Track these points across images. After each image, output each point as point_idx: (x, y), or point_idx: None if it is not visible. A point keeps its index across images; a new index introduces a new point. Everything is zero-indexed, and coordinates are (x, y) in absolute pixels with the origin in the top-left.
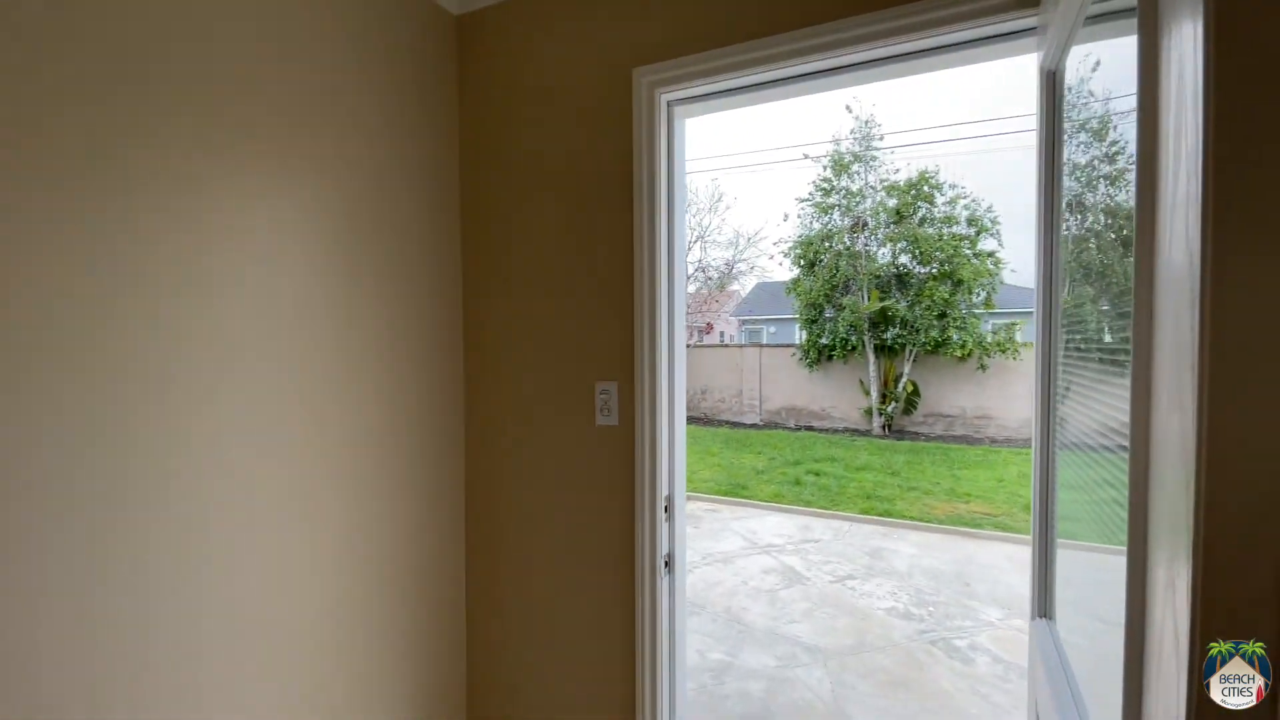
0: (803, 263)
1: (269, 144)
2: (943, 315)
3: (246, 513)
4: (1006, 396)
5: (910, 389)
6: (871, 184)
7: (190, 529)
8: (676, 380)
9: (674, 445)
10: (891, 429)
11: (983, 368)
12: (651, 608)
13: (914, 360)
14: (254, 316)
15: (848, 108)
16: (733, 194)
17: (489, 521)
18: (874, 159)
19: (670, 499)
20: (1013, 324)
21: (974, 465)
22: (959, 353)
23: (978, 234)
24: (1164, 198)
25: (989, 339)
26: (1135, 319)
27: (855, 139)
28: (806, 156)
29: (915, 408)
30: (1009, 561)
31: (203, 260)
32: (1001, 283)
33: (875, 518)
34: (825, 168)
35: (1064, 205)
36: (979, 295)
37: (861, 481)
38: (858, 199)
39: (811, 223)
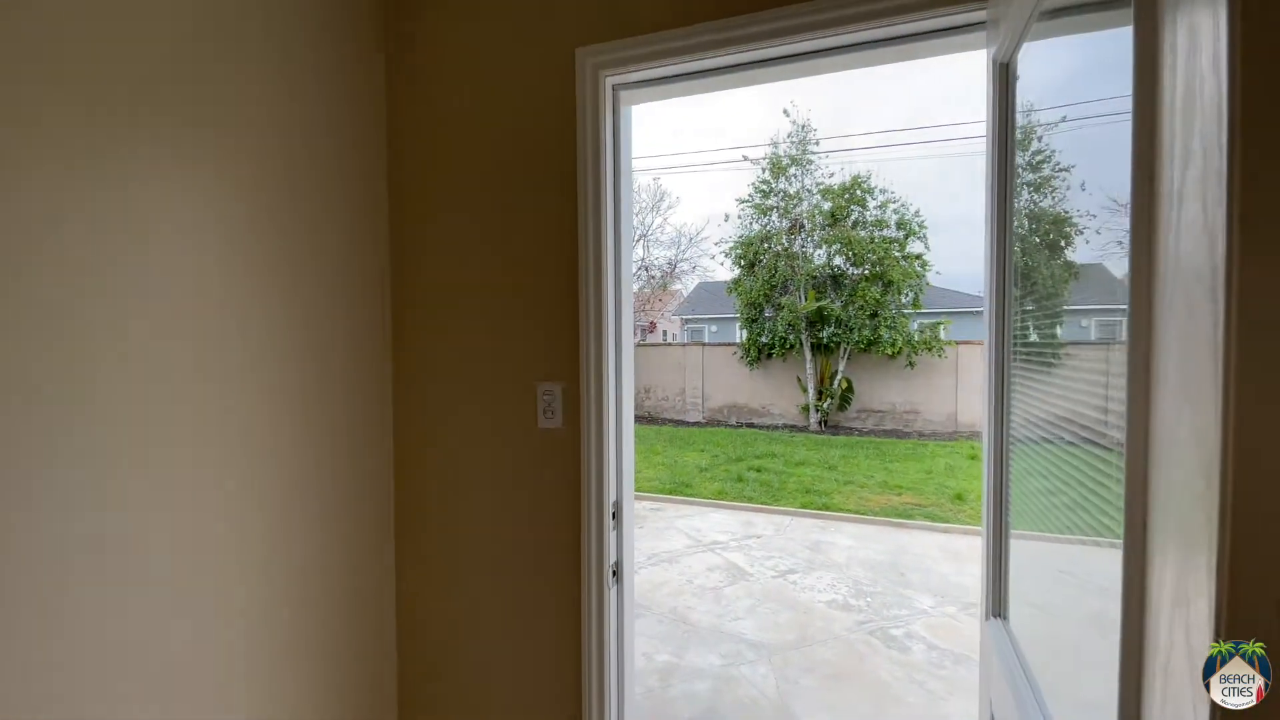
0: (743, 263)
1: (169, 128)
2: (874, 315)
3: (172, 519)
4: (933, 392)
5: (845, 386)
6: (808, 187)
7: (111, 535)
8: (624, 380)
9: (622, 449)
10: (828, 424)
11: (911, 365)
12: (599, 620)
13: (848, 358)
14: (171, 317)
15: (785, 111)
16: (675, 194)
17: (422, 530)
18: (810, 162)
19: (618, 505)
20: (937, 323)
21: (904, 458)
22: (889, 351)
23: (906, 237)
24: (1166, 187)
25: (917, 338)
26: (1133, 312)
27: (792, 142)
28: (746, 159)
29: (849, 404)
30: (939, 550)
31: (121, 258)
32: (927, 284)
33: (814, 511)
34: (764, 170)
35: (1018, 202)
36: (907, 296)
37: (801, 476)
38: (795, 201)
39: (751, 224)
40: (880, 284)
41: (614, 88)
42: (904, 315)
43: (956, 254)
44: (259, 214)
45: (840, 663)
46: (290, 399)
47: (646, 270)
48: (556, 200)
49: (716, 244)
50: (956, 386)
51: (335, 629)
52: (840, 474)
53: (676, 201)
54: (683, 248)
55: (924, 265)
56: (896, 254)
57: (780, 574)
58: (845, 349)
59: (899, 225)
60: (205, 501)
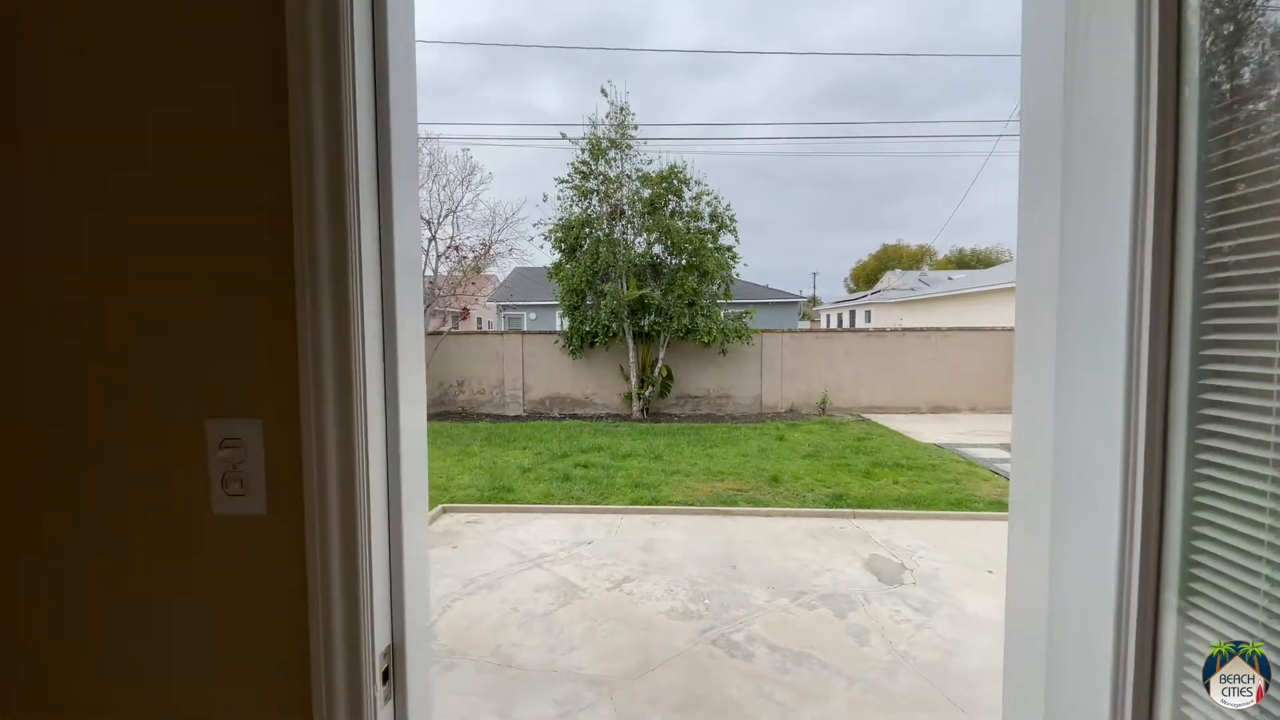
0: (564, 247)
1: None
2: (692, 304)
3: None
4: (741, 377)
5: (665, 373)
6: (628, 172)
7: None
8: (404, 409)
9: (402, 540)
10: (649, 412)
11: (724, 352)
12: None
13: (667, 346)
14: None
15: (603, 91)
16: (486, 169)
17: None
18: (629, 147)
19: (396, 650)
20: (744, 312)
21: (721, 443)
22: (705, 339)
23: (719, 230)
24: None
25: (728, 326)
26: None
27: (611, 124)
28: (564, 136)
29: (669, 391)
30: (763, 535)
31: None
32: (736, 276)
33: (644, 507)
34: (583, 150)
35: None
36: (719, 286)
37: (628, 469)
38: (615, 186)
39: (572, 206)
40: (697, 274)
41: None
42: (717, 305)
43: (753, 250)
44: None
45: (687, 685)
46: None
47: (458, 250)
48: (249, 81)
49: (535, 225)
50: (761, 372)
51: None
52: (666, 464)
53: (489, 178)
54: (497, 228)
55: (734, 257)
56: (710, 245)
57: (615, 584)
58: (665, 337)
59: (712, 218)
60: None
